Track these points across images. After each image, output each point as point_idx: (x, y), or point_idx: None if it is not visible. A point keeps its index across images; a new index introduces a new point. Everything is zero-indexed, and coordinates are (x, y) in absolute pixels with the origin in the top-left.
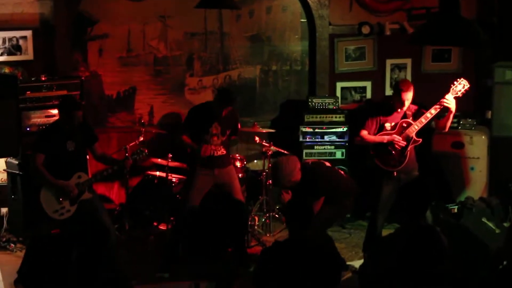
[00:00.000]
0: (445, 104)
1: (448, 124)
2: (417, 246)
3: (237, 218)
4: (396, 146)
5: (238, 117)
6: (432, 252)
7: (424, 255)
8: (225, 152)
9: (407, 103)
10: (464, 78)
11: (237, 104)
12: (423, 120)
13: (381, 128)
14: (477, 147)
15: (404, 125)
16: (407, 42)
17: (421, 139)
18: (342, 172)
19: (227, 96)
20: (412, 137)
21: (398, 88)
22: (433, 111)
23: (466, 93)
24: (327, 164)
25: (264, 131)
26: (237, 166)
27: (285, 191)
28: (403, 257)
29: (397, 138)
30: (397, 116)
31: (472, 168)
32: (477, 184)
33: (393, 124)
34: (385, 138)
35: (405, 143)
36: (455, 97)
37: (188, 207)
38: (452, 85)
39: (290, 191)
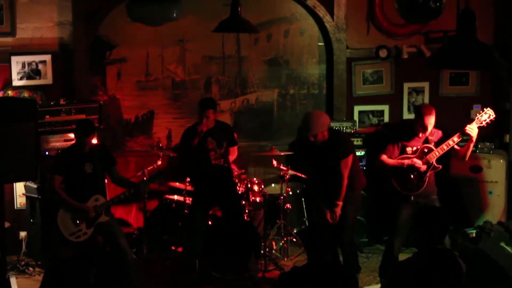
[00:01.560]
0: (468, 132)
1: (468, 153)
2: (434, 270)
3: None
4: (417, 170)
5: (230, 127)
6: (450, 276)
7: (441, 279)
8: (227, 165)
9: (430, 127)
10: (482, 104)
11: (216, 108)
12: (444, 147)
13: (402, 152)
14: (495, 171)
15: (426, 150)
16: (424, 65)
17: (441, 166)
18: None
19: (204, 102)
20: (432, 163)
21: (420, 113)
22: (455, 138)
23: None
24: None
25: (282, 153)
26: (254, 190)
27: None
28: (420, 281)
29: (418, 162)
30: (418, 140)
31: (490, 192)
32: (495, 208)
33: (414, 148)
34: (405, 162)
35: (425, 167)
36: (479, 127)
37: (197, 228)
38: (477, 114)
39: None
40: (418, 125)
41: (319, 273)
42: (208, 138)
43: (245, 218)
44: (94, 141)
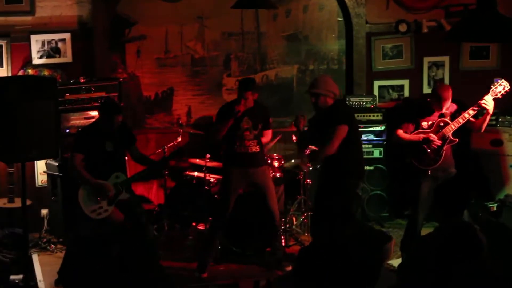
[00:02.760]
0: (483, 105)
1: (484, 125)
2: (454, 244)
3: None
4: (432, 145)
5: (267, 111)
6: (470, 251)
7: (462, 254)
8: (259, 149)
9: (445, 108)
10: (504, 78)
11: (258, 91)
12: (460, 121)
13: (418, 126)
14: None
15: (441, 124)
16: (444, 39)
17: (457, 139)
18: None
19: (244, 83)
20: (448, 136)
21: (439, 96)
22: (471, 111)
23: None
24: None
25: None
26: (275, 166)
27: (302, 117)
28: (441, 256)
29: (433, 136)
30: (434, 114)
31: (511, 166)
32: None
33: (430, 123)
34: (421, 137)
35: (440, 142)
36: (494, 99)
37: (224, 208)
38: (492, 86)
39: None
40: (435, 105)
41: (339, 247)
42: (245, 118)
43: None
44: None
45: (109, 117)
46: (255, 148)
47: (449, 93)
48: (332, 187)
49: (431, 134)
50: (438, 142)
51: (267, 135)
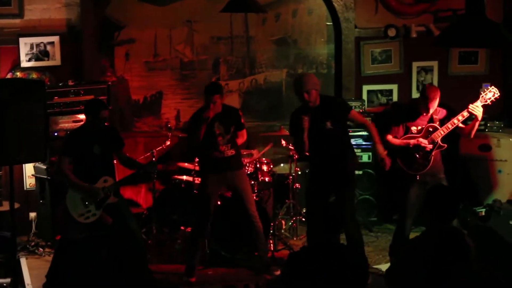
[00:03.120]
0: (472, 111)
1: (473, 131)
2: (442, 248)
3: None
4: (422, 149)
5: (237, 111)
6: (457, 256)
7: (449, 258)
8: (234, 152)
9: (432, 110)
10: (492, 83)
11: (223, 93)
12: (449, 126)
13: (407, 131)
14: (504, 149)
15: (430, 129)
16: (433, 44)
17: (446, 145)
18: None
19: (211, 87)
20: (437, 141)
21: (425, 96)
22: (460, 117)
23: None
24: None
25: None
26: (263, 170)
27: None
28: (429, 260)
29: (423, 142)
30: (423, 119)
31: (499, 171)
32: (505, 187)
33: (419, 128)
34: (411, 142)
35: (431, 146)
36: (483, 105)
37: (205, 213)
38: (481, 92)
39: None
40: (422, 106)
41: (329, 252)
42: (215, 124)
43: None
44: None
45: (95, 113)
46: (230, 152)
47: (436, 94)
48: (346, 178)
49: (421, 140)
50: (429, 146)
51: (242, 136)
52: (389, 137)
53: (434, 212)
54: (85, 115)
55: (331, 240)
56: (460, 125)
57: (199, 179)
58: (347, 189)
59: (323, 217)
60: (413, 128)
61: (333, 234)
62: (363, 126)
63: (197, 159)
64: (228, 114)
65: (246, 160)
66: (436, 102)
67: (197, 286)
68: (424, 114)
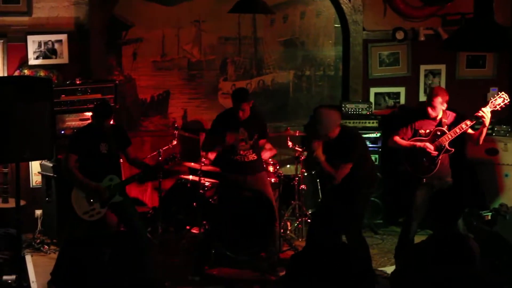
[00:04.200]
0: (480, 116)
1: (481, 138)
2: (446, 253)
3: (267, 222)
4: (428, 153)
5: (263, 120)
6: (462, 259)
7: (454, 262)
8: (256, 157)
9: (439, 108)
10: (499, 87)
11: (251, 100)
12: (457, 131)
13: (415, 134)
14: (511, 154)
15: (438, 133)
16: (441, 48)
17: (453, 149)
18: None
19: (239, 94)
20: (444, 146)
21: (431, 91)
22: (468, 122)
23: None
24: None
25: (297, 133)
26: (269, 171)
27: (317, 141)
28: (434, 264)
29: (429, 146)
30: (432, 123)
31: (506, 175)
32: (511, 191)
33: (427, 131)
34: (418, 144)
35: (436, 152)
36: (492, 111)
37: (222, 213)
38: (491, 98)
39: (322, 144)
40: (428, 105)
41: (331, 252)
42: (241, 129)
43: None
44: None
45: (98, 120)
46: (252, 157)
47: (441, 91)
48: (350, 196)
49: (427, 144)
50: (434, 153)
51: (265, 145)
52: (397, 138)
53: (439, 216)
54: (92, 115)
55: (334, 241)
56: (470, 131)
57: (205, 179)
58: (348, 206)
59: (328, 219)
60: (421, 131)
61: (335, 235)
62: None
63: (203, 159)
64: (254, 121)
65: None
66: (440, 99)
67: (202, 286)
68: (430, 114)
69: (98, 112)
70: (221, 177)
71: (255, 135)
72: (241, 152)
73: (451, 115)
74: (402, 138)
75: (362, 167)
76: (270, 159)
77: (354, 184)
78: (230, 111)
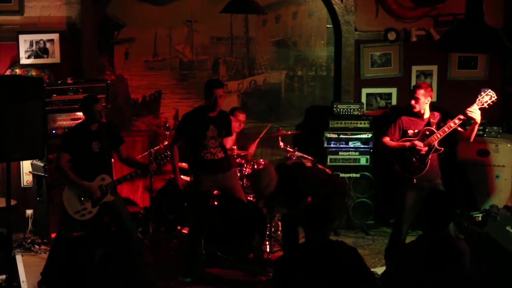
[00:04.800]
0: (469, 115)
1: (473, 135)
2: (436, 254)
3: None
4: (419, 152)
5: (229, 117)
6: (451, 260)
7: (443, 263)
8: (223, 154)
9: (422, 102)
10: (491, 88)
11: (225, 88)
12: (446, 129)
13: (404, 134)
14: (502, 155)
15: (427, 132)
16: (432, 48)
17: (443, 148)
18: (325, 170)
19: (213, 81)
20: (434, 145)
21: (415, 86)
22: (456, 121)
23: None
24: (308, 164)
25: (288, 133)
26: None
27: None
28: (424, 265)
29: (418, 143)
30: (420, 122)
31: (497, 176)
32: (502, 192)
33: (416, 131)
34: (406, 144)
35: (426, 148)
36: (480, 108)
37: (201, 213)
38: (478, 96)
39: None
40: (411, 97)
41: (317, 251)
42: (211, 126)
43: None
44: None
45: (88, 107)
46: (221, 154)
47: (425, 85)
48: None
49: (416, 142)
50: (424, 149)
51: (227, 142)
52: (386, 139)
53: (430, 217)
54: (82, 112)
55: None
56: (459, 129)
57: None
58: None
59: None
60: (410, 131)
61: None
62: None
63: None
64: (222, 118)
65: (242, 160)
66: (422, 92)
67: (193, 286)
68: (416, 110)
69: (86, 100)
70: (194, 178)
71: (223, 132)
72: (212, 150)
73: (437, 115)
74: (391, 139)
75: None
76: (261, 160)
77: None
78: (198, 109)
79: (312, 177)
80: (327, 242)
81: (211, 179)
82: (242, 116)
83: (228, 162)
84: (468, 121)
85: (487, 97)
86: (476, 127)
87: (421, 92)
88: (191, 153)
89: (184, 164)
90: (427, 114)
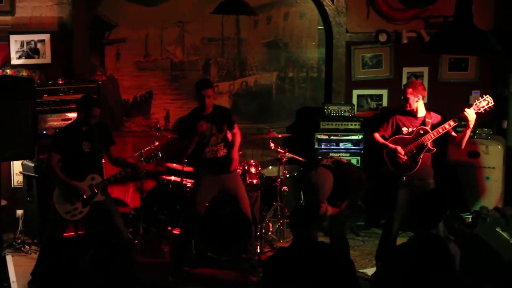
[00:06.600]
0: (465, 115)
1: (464, 141)
2: (425, 255)
3: (243, 226)
4: (397, 158)
5: (227, 109)
6: (440, 261)
7: (433, 264)
8: (227, 151)
9: (412, 101)
10: (481, 90)
11: (214, 88)
12: (440, 130)
13: (398, 131)
14: (493, 156)
15: (421, 132)
16: (420, 50)
17: (435, 149)
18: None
19: (203, 81)
20: (427, 145)
21: (405, 84)
22: (451, 122)
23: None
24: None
25: (279, 135)
26: (251, 172)
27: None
28: (414, 266)
29: (400, 150)
30: (414, 120)
31: (487, 178)
32: (492, 194)
33: (410, 129)
34: (390, 146)
35: (405, 158)
36: (476, 113)
37: (194, 213)
38: (476, 100)
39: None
40: (402, 98)
41: (306, 252)
42: (208, 125)
43: None
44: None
45: (88, 109)
46: (223, 152)
47: (413, 83)
48: None
49: (399, 149)
50: (403, 158)
51: (236, 133)
52: (376, 135)
53: (420, 217)
54: (77, 112)
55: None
56: (453, 133)
57: (187, 180)
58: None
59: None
60: (404, 129)
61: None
62: None
63: (185, 160)
64: (219, 113)
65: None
66: (410, 91)
67: (183, 286)
68: (408, 109)
69: (86, 101)
70: (196, 177)
71: (224, 127)
72: (213, 147)
73: (436, 117)
74: (383, 136)
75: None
76: (252, 161)
77: None
78: (192, 111)
79: (351, 174)
80: (314, 242)
81: (212, 179)
82: None
83: (231, 160)
84: (460, 122)
85: (485, 102)
86: (468, 132)
87: (409, 91)
88: (195, 153)
89: (175, 165)
90: (421, 113)
